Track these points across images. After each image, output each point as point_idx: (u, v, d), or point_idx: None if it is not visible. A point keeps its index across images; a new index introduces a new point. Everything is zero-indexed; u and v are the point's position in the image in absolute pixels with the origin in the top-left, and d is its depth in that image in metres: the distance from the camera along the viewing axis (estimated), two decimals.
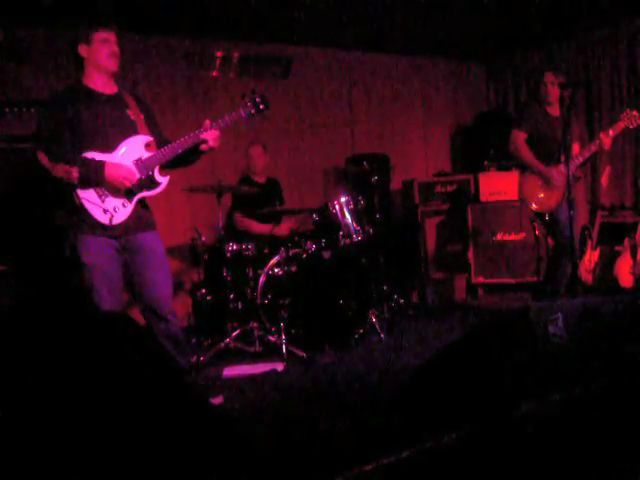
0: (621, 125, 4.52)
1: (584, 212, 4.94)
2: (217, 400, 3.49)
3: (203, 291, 4.99)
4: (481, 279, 6.38)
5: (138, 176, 3.21)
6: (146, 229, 3.32)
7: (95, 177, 3.12)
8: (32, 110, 4.45)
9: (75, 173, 3.04)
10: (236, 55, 6.15)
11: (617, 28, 6.38)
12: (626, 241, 5.67)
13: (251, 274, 4.73)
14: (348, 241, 4.68)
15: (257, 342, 4.50)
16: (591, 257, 5.75)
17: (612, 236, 5.81)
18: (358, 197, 4.86)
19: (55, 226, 4.33)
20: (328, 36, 6.25)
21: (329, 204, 4.74)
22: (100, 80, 3.27)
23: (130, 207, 3.23)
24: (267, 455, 2.62)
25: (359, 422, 2.97)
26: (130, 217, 3.23)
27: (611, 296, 5.43)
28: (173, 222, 5.64)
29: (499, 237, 6.32)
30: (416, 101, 7.44)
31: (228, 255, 4.69)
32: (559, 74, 4.63)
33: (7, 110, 4.39)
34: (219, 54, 6.09)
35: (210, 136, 3.29)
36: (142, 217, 3.30)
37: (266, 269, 4.63)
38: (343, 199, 4.74)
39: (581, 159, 4.52)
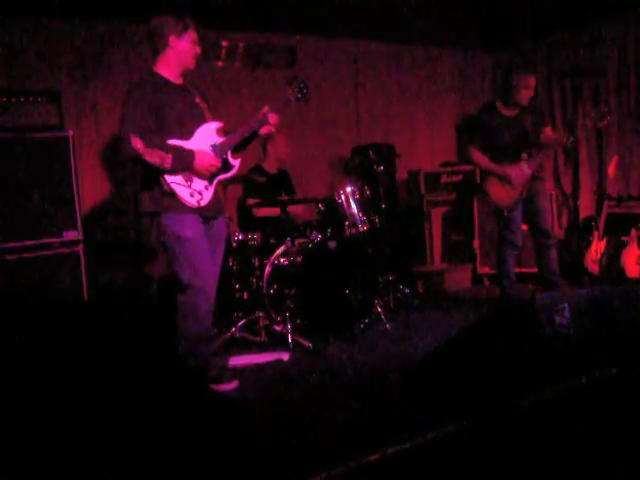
0: (589, 124, 4.66)
1: (548, 211, 5.10)
2: (231, 385, 3.53)
3: None
4: (487, 269, 6.38)
5: (221, 162, 3.42)
6: (220, 213, 3.57)
7: (186, 165, 3.27)
8: (38, 100, 4.46)
9: (169, 160, 3.13)
10: (241, 45, 6.13)
11: (625, 18, 6.33)
12: (633, 232, 5.65)
13: (257, 264, 4.73)
14: (354, 231, 4.68)
15: (263, 332, 4.52)
16: (598, 248, 5.74)
17: (619, 226, 5.79)
18: (364, 187, 4.86)
19: None
20: (334, 26, 6.22)
21: (335, 194, 4.73)
22: (174, 72, 3.42)
23: (211, 190, 3.42)
24: (270, 443, 2.63)
25: (364, 412, 2.97)
26: (212, 199, 3.42)
27: (617, 287, 5.44)
28: None
29: None
30: (422, 91, 7.40)
31: (234, 245, 4.70)
32: (535, 76, 4.80)
33: (14, 100, 4.38)
34: (224, 44, 6.07)
35: (273, 120, 3.56)
36: (219, 200, 3.52)
37: (272, 259, 4.63)
38: (349, 189, 4.73)
39: (541, 157, 4.77)
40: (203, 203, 3.36)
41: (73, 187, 4.49)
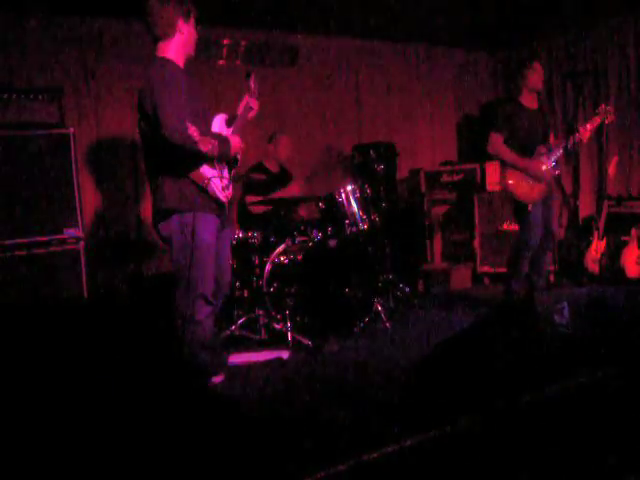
0: (597, 120, 4.62)
1: (557, 214, 4.98)
2: (218, 379, 3.53)
3: None
4: (487, 268, 6.38)
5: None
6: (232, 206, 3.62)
7: (227, 151, 3.26)
8: (39, 98, 4.46)
9: (217, 147, 3.12)
10: (243, 43, 6.13)
11: (625, 18, 6.33)
12: (633, 231, 5.66)
13: (257, 262, 4.74)
14: (354, 230, 4.68)
15: (263, 330, 4.52)
16: (598, 247, 5.75)
17: (619, 226, 5.80)
18: (364, 186, 4.86)
19: None
20: (335, 24, 6.22)
21: (335, 193, 4.73)
22: (181, 58, 3.32)
23: (232, 184, 3.42)
24: (269, 442, 2.63)
25: (364, 410, 2.98)
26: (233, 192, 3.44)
27: (617, 286, 5.45)
28: None
29: (505, 226, 6.31)
30: (423, 90, 7.41)
31: (234, 243, 4.70)
32: (539, 60, 4.72)
33: (14, 97, 4.39)
34: (226, 42, 6.07)
35: (254, 105, 3.55)
36: None
37: (272, 257, 4.63)
38: (349, 188, 4.73)
39: (560, 152, 4.61)
40: (230, 196, 3.37)
41: (74, 185, 4.50)
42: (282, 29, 6.28)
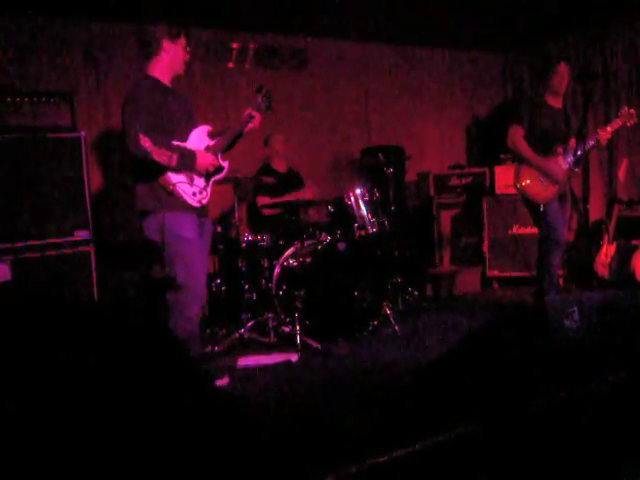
0: (619, 122, 4.56)
1: (569, 217, 4.89)
2: (222, 382, 3.55)
3: (218, 281, 5.02)
4: (496, 272, 6.37)
5: (218, 162, 3.55)
6: (207, 214, 3.65)
7: (190, 164, 3.37)
8: (51, 101, 4.49)
9: (175, 159, 3.26)
10: (252, 47, 6.15)
11: (635, 18, 6.31)
12: None
13: (266, 265, 4.75)
14: (363, 233, 4.68)
15: (271, 333, 4.52)
16: (608, 251, 5.72)
17: (629, 230, 5.77)
18: (373, 189, 4.86)
19: None
20: (343, 28, 6.23)
21: (344, 196, 4.74)
22: (167, 76, 3.50)
23: (209, 190, 3.53)
24: (277, 444, 2.64)
25: (373, 413, 2.97)
26: (209, 198, 3.53)
27: (627, 290, 5.42)
28: None
29: (514, 230, 6.30)
30: (432, 93, 7.41)
31: (243, 245, 4.72)
32: (570, 66, 4.63)
33: (18, 100, 4.42)
34: (235, 46, 6.09)
35: (257, 117, 3.70)
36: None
37: (281, 260, 4.64)
38: (358, 191, 4.74)
39: (579, 153, 4.53)
40: (204, 202, 3.48)
41: (85, 187, 4.53)
42: (291, 32, 6.30)
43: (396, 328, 4.64)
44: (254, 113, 3.69)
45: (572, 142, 4.62)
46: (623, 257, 5.69)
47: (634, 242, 5.70)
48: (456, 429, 1.78)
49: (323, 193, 5.72)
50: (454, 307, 5.56)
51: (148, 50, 3.48)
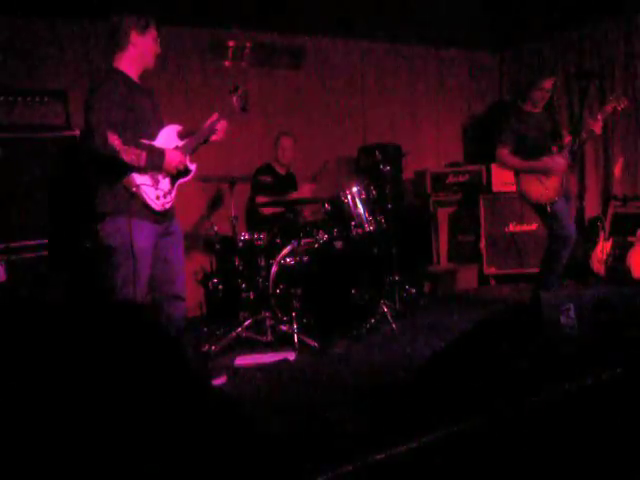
0: (608, 109, 4.57)
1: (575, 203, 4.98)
2: (220, 381, 3.55)
3: (215, 280, 5.02)
4: (493, 270, 6.38)
5: (187, 162, 3.39)
6: (174, 215, 3.50)
7: (158, 163, 3.22)
8: (44, 100, 4.48)
9: (143, 157, 3.07)
10: (248, 45, 6.14)
11: (631, 17, 6.32)
12: (639, 232, 5.64)
13: (263, 264, 4.75)
14: (360, 231, 4.69)
15: (269, 332, 4.53)
16: (603, 248, 5.73)
17: (625, 227, 5.78)
18: (370, 187, 4.87)
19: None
20: (340, 26, 6.22)
21: (341, 194, 4.74)
22: (135, 71, 3.32)
23: (173, 193, 3.39)
24: (275, 443, 2.64)
25: (370, 411, 2.98)
26: (173, 203, 3.39)
27: (623, 287, 5.43)
28: (185, 211, 5.66)
29: (511, 228, 6.31)
30: (429, 91, 7.41)
31: (240, 244, 4.72)
32: (555, 82, 4.72)
33: (19, 99, 4.41)
34: (231, 44, 6.08)
35: (221, 127, 3.50)
36: (175, 203, 3.47)
37: (278, 259, 4.64)
38: (355, 189, 4.74)
39: (575, 148, 4.59)
40: (167, 206, 3.32)
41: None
42: (288, 31, 6.29)
43: (393, 326, 4.64)
44: (219, 123, 3.50)
45: (566, 139, 4.67)
46: (619, 254, 5.70)
47: (630, 239, 5.71)
48: (454, 427, 1.79)
49: (320, 191, 5.73)
50: (452, 305, 5.57)
51: (115, 42, 3.27)
